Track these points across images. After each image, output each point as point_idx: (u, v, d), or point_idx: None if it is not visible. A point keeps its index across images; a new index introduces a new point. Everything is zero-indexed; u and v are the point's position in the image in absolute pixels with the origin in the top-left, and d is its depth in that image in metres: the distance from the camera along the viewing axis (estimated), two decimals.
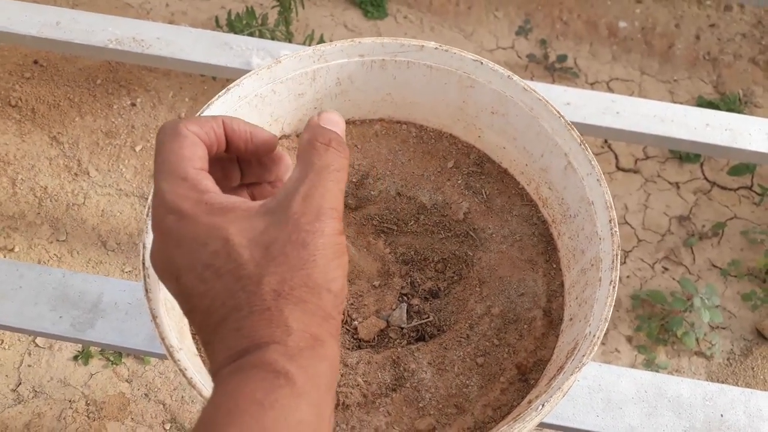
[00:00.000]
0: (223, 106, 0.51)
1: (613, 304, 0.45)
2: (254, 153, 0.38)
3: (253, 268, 0.31)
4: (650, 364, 1.29)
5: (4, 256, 1.29)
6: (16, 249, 1.31)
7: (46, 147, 1.41)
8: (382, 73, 0.56)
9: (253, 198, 0.40)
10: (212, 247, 0.32)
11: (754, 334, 1.34)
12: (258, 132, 0.37)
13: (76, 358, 1.21)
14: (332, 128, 0.35)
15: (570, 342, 0.48)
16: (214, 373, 0.31)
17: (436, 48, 0.53)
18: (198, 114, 0.50)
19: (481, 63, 0.53)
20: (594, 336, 0.43)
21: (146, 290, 0.44)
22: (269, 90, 0.54)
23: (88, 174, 1.39)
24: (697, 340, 1.30)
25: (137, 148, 1.42)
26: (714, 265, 1.41)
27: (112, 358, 1.21)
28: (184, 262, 0.32)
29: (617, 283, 0.45)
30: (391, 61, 0.55)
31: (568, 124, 0.51)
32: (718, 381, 1.29)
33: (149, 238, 0.46)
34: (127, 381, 1.20)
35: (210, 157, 0.35)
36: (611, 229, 0.47)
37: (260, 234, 0.32)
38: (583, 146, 0.50)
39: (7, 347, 1.22)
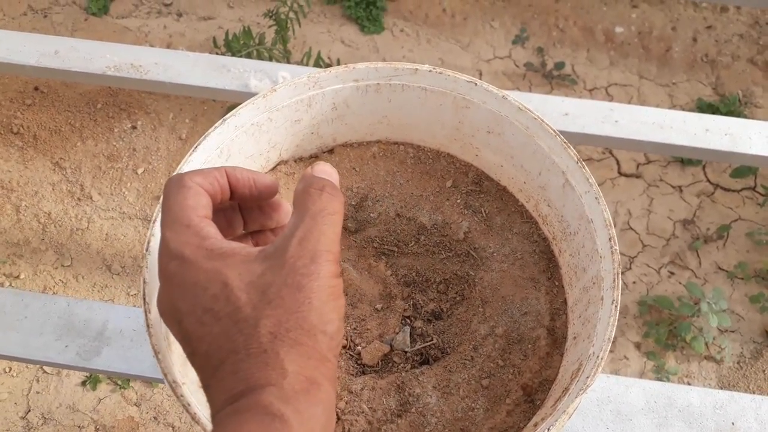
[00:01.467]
0: (219, 136, 0.51)
1: (616, 323, 0.45)
2: (258, 198, 0.39)
3: (250, 311, 0.32)
4: (660, 371, 1.28)
5: (10, 284, 1.30)
6: (22, 276, 1.31)
7: (48, 173, 1.42)
8: (377, 97, 0.56)
9: (257, 245, 0.41)
10: (212, 291, 0.32)
11: (764, 337, 1.33)
12: (260, 177, 0.38)
13: (84, 383, 1.21)
14: (328, 177, 0.36)
15: (574, 362, 0.47)
16: (213, 416, 0.31)
17: (429, 71, 0.54)
18: (195, 146, 0.50)
19: (476, 84, 0.53)
20: (598, 357, 0.43)
21: (148, 325, 0.44)
22: (266, 118, 0.54)
23: (91, 198, 1.40)
24: (706, 344, 1.30)
25: (139, 171, 1.43)
26: (720, 268, 1.40)
27: (120, 383, 1.21)
28: (186, 306, 0.33)
29: (619, 302, 0.45)
30: (386, 84, 0.55)
31: (564, 142, 0.51)
32: (729, 385, 1.28)
33: (149, 273, 0.46)
34: (135, 405, 1.20)
35: (215, 205, 0.37)
36: (611, 247, 0.47)
37: (258, 278, 0.32)
38: (580, 164, 0.50)
39: (15, 374, 1.22)
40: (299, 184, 0.35)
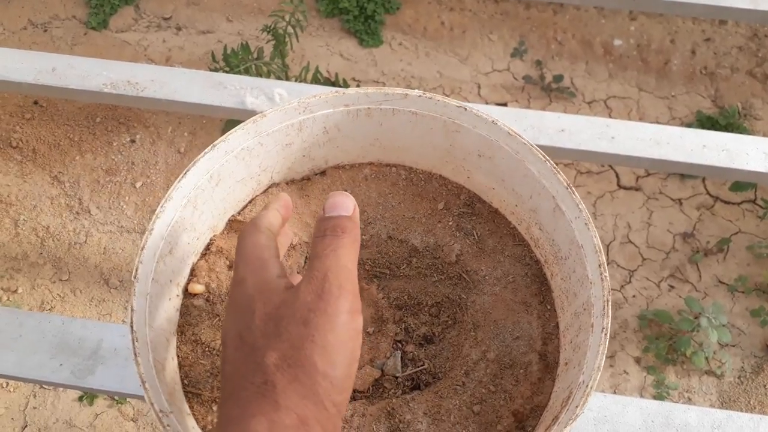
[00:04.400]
0: (209, 161, 0.51)
1: (606, 352, 0.44)
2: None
3: (263, 341, 0.33)
4: (660, 386, 1.27)
5: (8, 298, 1.30)
6: (20, 290, 1.31)
7: (47, 187, 1.42)
8: (368, 121, 0.56)
9: None
10: (246, 318, 0.35)
11: (765, 351, 1.32)
12: (285, 197, 0.46)
13: (81, 398, 1.21)
14: (336, 213, 0.38)
15: (565, 389, 0.47)
16: None
17: (419, 96, 0.54)
18: (185, 171, 0.50)
19: (465, 109, 0.53)
20: (587, 386, 0.43)
21: (135, 354, 0.44)
22: (256, 143, 0.54)
23: (89, 212, 1.40)
24: (706, 359, 1.29)
25: (137, 185, 1.43)
26: (721, 282, 1.39)
27: (116, 398, 1.21)
28: (231, 332, 0.36)
29: (609, 330, 0.45)
30: (377, 109, 0.55)
31: (554, 167, 0.51)
32: (729, 400, 1.27)
33: (137, 301, 0.46)
34: (132, 420, 1.20)
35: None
36: (601, 274, 0.47)
37: (275, 309, 0.34)
38: (569, 190, 0.50)
39: (12, 390, 1.22)
40: (313, 232, 0.39)
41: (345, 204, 0.38)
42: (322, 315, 0.32)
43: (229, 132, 0.51)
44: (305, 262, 0.58)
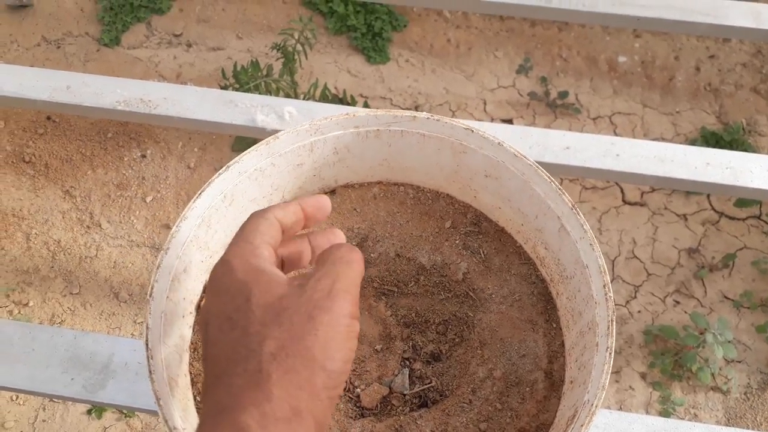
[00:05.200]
0: (223, 182, 0.53)
1: (610, 371, 0.45)
2: (324, 214, 0.43)
3: (261, 328, 0.33)
4: (666, 401, 1.27)
5: (19, 311, 1.31)
6: (31, 303, 1.33)
7: (59, 201, 1.44)
8: (377, 142, 0.58)
9: None
10: (237, 301, 0.35)
11: None
12: (317, 197, 0.43)
13: (89, 412, 1.22)
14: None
15: (570, 407, 0.48)
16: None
17: (427, 118, 0.55)
18: (199, 192, 0.52)
19: (472, 131, 0.55)
20: (592, 405, 0.44)
21: (150, 371, 0.45)
22: (269, 163, 0.55)
23: (100, 226, 1.42)
24: (712, 375, 1.29)
25: (148, 199, 1.45)
26: (726, 297, 1.39)
27: (125, 411, 1.22)
28: (215, 310, 0.36)
29: (613, 349, 0.46)
30: (386, 130, 0.57)
31: (559, 188, 0.52)
32: (735, 417, 1.27)
33: (152, 319, 0.47)
34: None
35: (291, 233, 0.41)
36: (606, 294, 0.48)
37: (277, 300, 0.34)
38: (574, 210, 0.51)
39: (21, 402, 1.23)
40: (325, 248, 0.39)
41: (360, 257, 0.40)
42: (327, 312, 0.34)
43: (243, 153, 0.53)
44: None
